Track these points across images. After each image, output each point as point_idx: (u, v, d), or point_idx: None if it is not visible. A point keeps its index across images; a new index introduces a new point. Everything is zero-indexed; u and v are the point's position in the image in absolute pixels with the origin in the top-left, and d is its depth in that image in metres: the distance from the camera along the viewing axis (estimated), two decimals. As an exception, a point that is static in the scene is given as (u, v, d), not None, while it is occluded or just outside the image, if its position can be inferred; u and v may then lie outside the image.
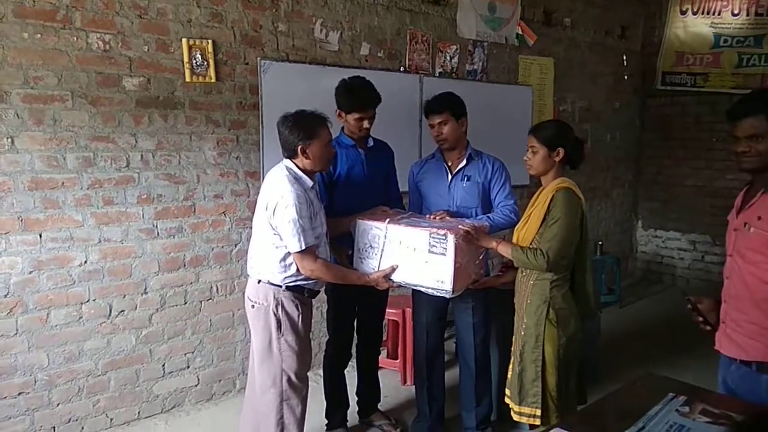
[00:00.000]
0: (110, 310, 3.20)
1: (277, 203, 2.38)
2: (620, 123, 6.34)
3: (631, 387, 1.83)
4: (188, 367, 3.51)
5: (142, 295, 3.29)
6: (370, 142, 3.01)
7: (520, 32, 5.03)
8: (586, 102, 5.85)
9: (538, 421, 2.41)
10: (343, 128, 2.96)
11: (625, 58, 6.27)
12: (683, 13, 6.14)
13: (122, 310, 3.24)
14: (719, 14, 5.93)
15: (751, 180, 1.98)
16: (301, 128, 2.43)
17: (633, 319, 5.28)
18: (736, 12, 5.81)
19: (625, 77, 6.31)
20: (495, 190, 2.93)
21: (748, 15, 5.71)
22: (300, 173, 2.48)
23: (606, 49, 6.02)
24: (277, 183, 2.43)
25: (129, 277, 3.25)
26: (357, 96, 2.82)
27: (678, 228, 6.46)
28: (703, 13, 6.03)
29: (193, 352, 3.51)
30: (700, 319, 2.06)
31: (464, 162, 2.91)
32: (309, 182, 2.50)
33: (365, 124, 2.87)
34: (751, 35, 5.70)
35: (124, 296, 3.24)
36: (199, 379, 3.56)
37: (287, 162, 2.50)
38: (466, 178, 2.90)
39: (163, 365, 3.41)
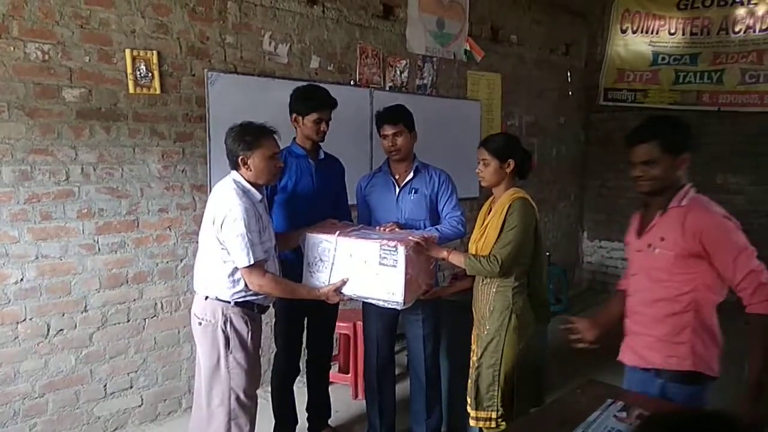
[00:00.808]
0: (48, 329, 3.07)
1: (225, 217, 2.33)
2: (565, 137, 6.52)
3: (572, 394, 1.87)
4: (131, 387, 3.39)
5: (82, 313, 3.18)
6: (321, 155, 3.01)
7: (468, 48, 5.13)
8: (532, 117, 6.00)
9: (493, 424, 2.44)
10: (294, 138, 2.95)
11: (569, 74, 6.46)
12: (623, 31, 6.38)
13: (61, 329, 3.11)
14: (657, 33, 6.19)
15: (645, 202, 2.10)
16: (244, 138, 2.40)
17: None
18: (672, 31, 6.08)
19: (570, 93, 6.51)
20: (442, 201, 2.96)
21: (683, 34, 5.99)
22: (248, 186, 2.44)
23: (551, 66, 6.19)
24: (225, 196, 2.38)
25: (68, 294, 3.13)
26: (315, 97, 2.85)
27: (622, 239, 6.60)
28: (642, 32, 6.28)
29: (136, 372, 3.40)
30: (574, 337, 2.26)
31: (411, 175, 2.94)
32: (258, 195, 2.47)
33: (323, 126, 2.87)
34: (687, 54, 5.97)
35: (63, 314, 3.12)
36: (143, 400, 3.44)
37: (235, 175, 2.46)
38: (413, 191, 2.92)
39: (105, 386, 3.29)
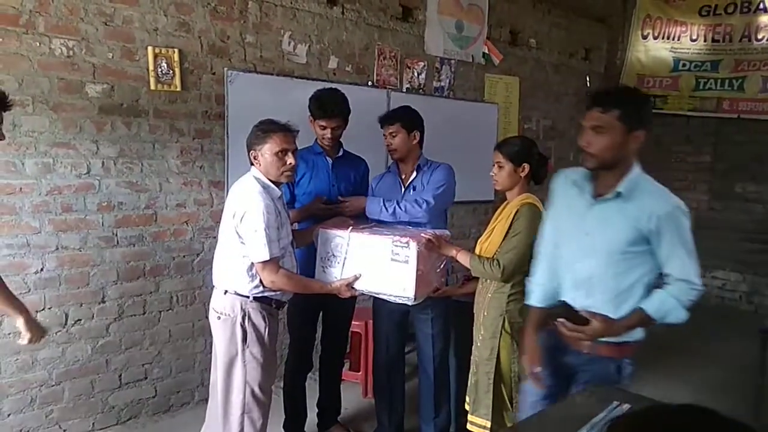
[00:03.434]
0: (66, 319, 3.14)
1: (246, 211, 2.37)
2: (583, 142, 6.48)
3: (578, 396, 1.88)
4: (146, 378, 3.45)
5: (99, 304, 3.24)
6: (340, 152, 3.06)
7: (487, 51, 5.14)
8: (550, 121, 5.99)
9: None
10: (316, 137, 3.04)
11: (588, 79, 6.43)
12: (644, 37, 6.35)
13: (79, 319, 3.18)
14: (678, 39, 6.15)
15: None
16: (256, 133, 2.45)
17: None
18: (694, 38, 6.04)
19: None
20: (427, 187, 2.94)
21: (705, 41, 5.95)
22: (268, 182, 2.47)
23: (570, 70, 6.17)
24: (246, 192, 2.42)
25: (86, 285, 3.20)
26: (320, 105, 2.90)
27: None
28: (663, 38, 6.25)
29: (151, 363, 3.47)
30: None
31: (414, 174, 2.97)
32: (277, 191, 2.50)
33: (327, 133, 2.93)
34: (708, 60, 5.93)
35: (81, 305, 3.18)
36: (156, 391, 3.50)
37: (255, 171, 2.50)
38: (412, 189, 2.95)
39: (120, 376, 3.35)
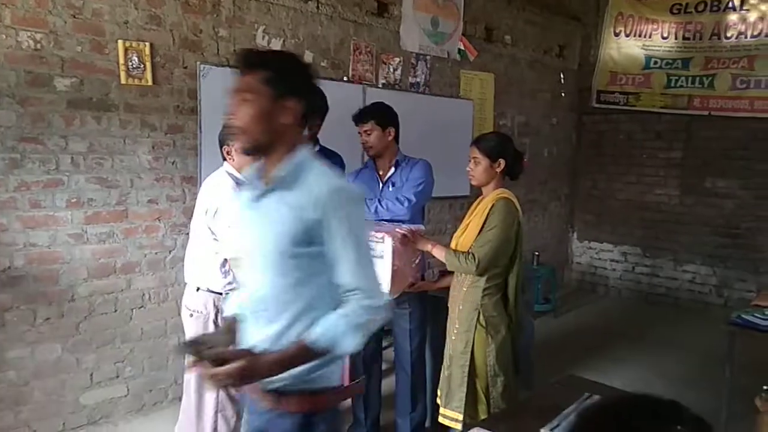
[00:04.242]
0: (35, 318, 3.07)
1: (218, 207, 2.35)
2: (557, 138, 6.56)
3: (551, 388, 1.90)
4: (118, 376, 3.40)
5: (69, 302, 3.18)
6: (316, 148, 3.04)
7: (462, 47, 5.16)
8: (524, 117, 6.03)
9: (459, 426, 2.46)
10: None
11: (562, 76, 6.50)
12: (617, 35, 6.43)
13: (48, 318, 3.12)
14: (650, 37, 6.23)
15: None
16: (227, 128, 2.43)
17: (566, 328, 5.45)
18: (665, 35, 6.12)
19: (562, 94, 6.55)
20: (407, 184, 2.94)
21: (676, 39, 6.04)
22: (241, 177, 2.45)
23: (544, 67, 6.23)
24: (219, 187, 2.40)
25: (56, 283, 3.13)
26: None
27: (611, 240, 6.72)
28: (635, 36, 6.33)
29: (123, 362, 3.41)
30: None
31: (393, 170, 2.96)
32: None
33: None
34: (679, 58, 6.02)
35: (51, 303, 3.12)
36: (129, 390, 3.45)
37: (227, 166, 2.48)
38: (391, 185, 2.95)
39: (91, 375, 3.30)
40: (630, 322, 5.71)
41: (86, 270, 3.22)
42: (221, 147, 2.45)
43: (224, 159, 2.48)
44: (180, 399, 3.38)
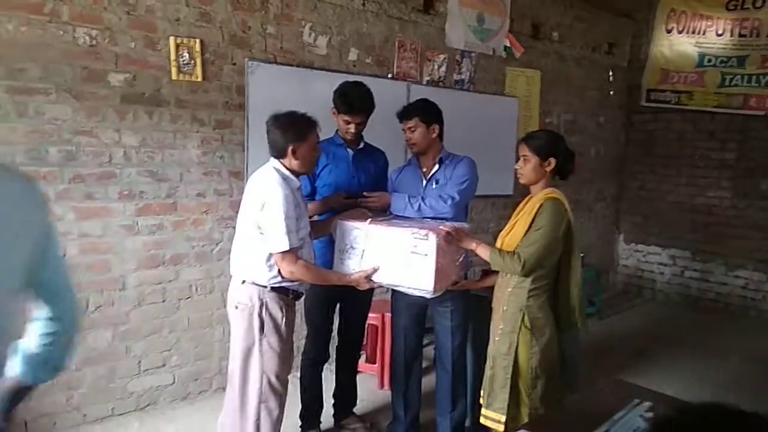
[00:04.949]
0: (87, 305, 3.17)
1: (266, 202, 2.38)
2: (604, 137, 6.42)
3: (598, 392, 1.86)
4: (164, 365, 3.49)
5: (119, 291, 3.28)
6: (361, 144, 3.06)
7: (508, 44, 5.09)
8: (571, 115, 5.92)
9: (501, 427, 2.42)
10: (337, 129, 3.02)
11: (611, 73, 6.35)
12: (669, 31, 6.24)
13: (99, 306, 3.22)
14: (704, 34, 6.03)
15: None
16: (294, 129, 2.45)
17: (611, 331, 5.33)
18: (720, 32, 5.91)
19: (611, 92, 6.39)
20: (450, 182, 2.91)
21: (731, 36, 5.82)
22: (288, 173, 2.48)
23: (592, 64, 6.10)
24: (266, 182, 2.43)
25: (107, 272, 3.23)
26: (345, 100, 2.89)
27: (659, 243, 6.54)
28: (688, 33, 6.13)
29: (169, 351, 3.50)
30: None
31: (437, 167, 2.94)
32: (296, 182, 2.52)
33: (351, 128, 2.93)
34: (734, 56, 5.80)
35: (102, 292, 3.22)
36: (175, 378, 3.54)
37: (275, 162, 2.50)
38: (435, 182, 2.93)
39: (139, 363, 3.39)
40: (677, 327, 5.55)
41: (136, 260, 3.31)
42: (287, 146, 2.44)
43: (277, 156, 2.48)
44: (224, 389, 3.46)
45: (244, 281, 2.50)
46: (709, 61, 5.99)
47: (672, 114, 6.29)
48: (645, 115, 6.51)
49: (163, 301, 3.44)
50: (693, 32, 6.08)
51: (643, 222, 6.67)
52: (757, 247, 5.79)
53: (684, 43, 6.14)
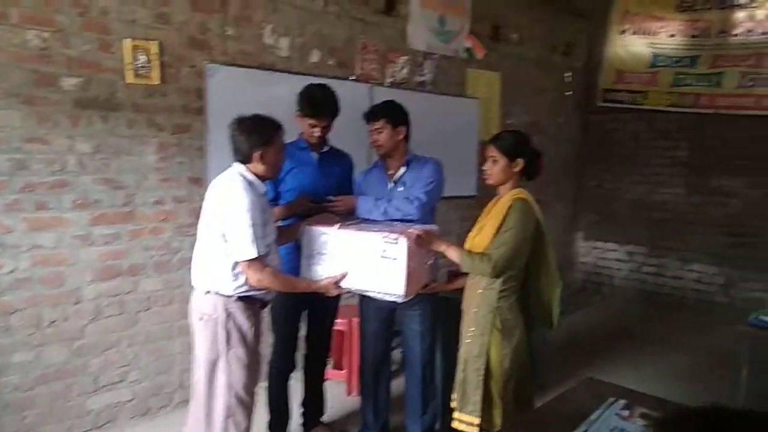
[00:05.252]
0: (40, 321, 3.03)
1: (230, 208, 2.31)
2: (563, 138, 6.52)
3: (572, 392, 1.86)
4: (123, 381, 3.36)
5: (75, 304, 3.14)
6: (326, 148, 3.00)
7: (470, 46, 5.11)
8: (531, 116, 5.99)
9: (475, 430, 2.41)
10: (301, 132, 2.96)
11: (568, 74, 6.45)
12: (623, 32, 6.38)
13: (53, 321, 3.08)
14: (657, 35, 6.19)
15: None
16: (259, 133, 2.38)
17: (572, 328, 5.39)
18: (672, 33, 6.08)
19: (568, 93, 6.50)
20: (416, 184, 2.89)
21: (683, 36, 5.99)
22: (253, 178, 2.41)
23: (551, 66, 6.18)
24: (230, 188, 2.35)
25: (61, 285, 3.09)
26: (310, 102, 2.84)
27: (616, 239, 6.68)
28: (641, 34, 6.28)
29: (128, 365, 3.37)
30: None
31: (403, 169, 2.92)
32: (262, 188, 2.45)
33: (316, 131, 2.88)
34: (686, 56, 5.97)
35: (56, 306, 3.08)
36: (134, 394, 3.41)
37: (239, 167, 2.43)
38: (401, 185, 2.90)
39: (97, 379, 3.25)
40: (637, 322, 5.67)
41: (92, 272, 3.18)
42: (250, 149, 2.37)
43: (242, 161, 2.41)
44: (186, 403, 3.35)
45: (208, 291, 2.41)
46: (663, 61, 6.15)
47: (627, 114, 6.43)
48: (601, 115, 6.64)
49: (121, 314, 3.32)
50: (646, 33, 6.24)
51: (600, 220, 6.81)
52: (710, 241, 5.98)
53: (638, 43, 6.29)
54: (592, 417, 1.59)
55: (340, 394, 3.78)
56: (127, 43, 3.15)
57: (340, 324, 3.73)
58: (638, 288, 6.52)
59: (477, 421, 2.40)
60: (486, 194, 2.61)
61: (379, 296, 2.53)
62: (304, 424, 3.25)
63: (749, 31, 5.62)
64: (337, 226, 2.55)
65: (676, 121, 6.12)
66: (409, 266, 2.41)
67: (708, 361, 4.53)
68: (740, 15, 5.66)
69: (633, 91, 6.34)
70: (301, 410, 3.25)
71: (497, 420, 2.42)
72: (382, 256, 2.42)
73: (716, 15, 5.78)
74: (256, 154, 2.37)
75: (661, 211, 6.31)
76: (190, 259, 3.44)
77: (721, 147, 5.87)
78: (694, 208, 6.09)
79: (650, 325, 5.56)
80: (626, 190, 6.56)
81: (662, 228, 6.31)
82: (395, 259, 2.40)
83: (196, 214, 3.45)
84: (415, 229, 2.51)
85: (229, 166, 2.49)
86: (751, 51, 5.60)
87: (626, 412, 1.67)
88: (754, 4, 5.60)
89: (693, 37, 5.92)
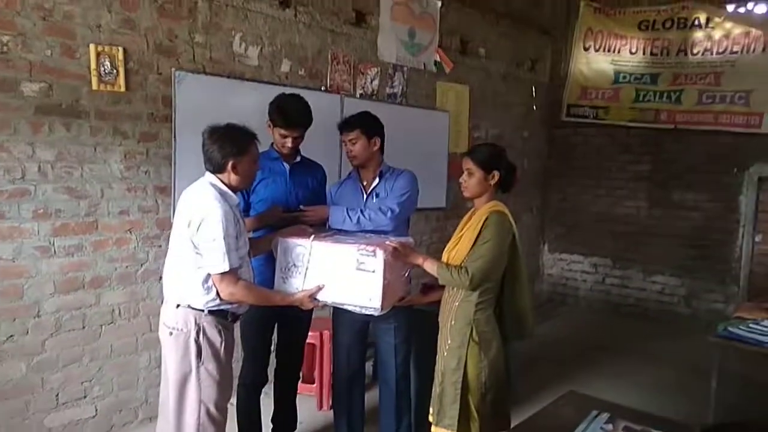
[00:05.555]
0: (-3, 336, 2.90)
1: (203, 220, 2.23)
2: (529, 151, 6.60)
3: (554, 405, 1.85)
4: (85, 396, 3.23)
5: (34, 318, 3.01)
6: (298, 158, 2.96)
7: (438, 59, 5.15)
8: (498, 130, 6.05)
9: None
10: (272, 142, 2.91)
11: (534, 89, 6.56)
12: (586, 49, 6.53)
13: (11, 335, 2.94)
14: (618, 52, 6.35)
15: None
16: (233, 142, 2.32)
17: (540, 340, 5.43)
18: (633, 51, 6.25)
19: (534, 108, 6.60)
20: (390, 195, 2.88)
21: (644, 54, 6.16)
22: (225, 189, 2.35)
23: (517, 80, 6.27)
24: (203, 198, 2.29)
25: (20, 298, 2.96)
26: (282, 113, 2.80)
27: (581, 252, 6.78)
28: (604, 51, 6.44)
29: (91, 381, 3.24)
30: None
31: (377, 180, 2.90)
32: (235, 199, 2.39)
33: (288, 142, 2.84)
34: (647, 73, 6.14)
35: (14, 320, 2.94)
36: (97, 410, 3.28)
37: (210, 177, 2.36)
38: (375, 196, 2.88)
39: (57, 395, 3.12)
40: (602, 334, 5.75)
41: (53, 284, 3.06)
42: (224, 159, 2.31)
43: (214, 171, 2.35)
44: (151, 419, 3.25)
45: (178, 305, 2.33)
46: (624, 78, 6.31)
47: (591, 128, 6.56)
48: (566, 129, 6.76)
49: (83, 328, 3.19)
50: (609, 50, 6.40)
51: (566, 232, 6.91)
52: (672, 253, 6.12)
53: (601, 60, 6.45)
54: (578, 430, 1.58)
55: (310, 408, 3.70)
56: (92, 49, 3.06)
57: (310, 337, 3.67)
58: (603, 299, 6.63)
59: None
60: (456, 207, 2.61)
61: (355, 309, 2.49)
62: (274, 440, 3.17)
63: (707, 50, 5.82)
64: (312, 237, 2.50)
65: (639, 137, 6.28)
66: (385, 279, 2.38)
67: (677, 372, 4.61)
68: (699, 35, 5.86)
69: (596, 107, 6.48)
70: (272, 426, 3.16)
71: (474, 433, 2.40)
72: (358, 269, 2.39)
73: (676, 34, 5.96)
74: (229, 164, 2.32)
75: (625, 224, 6.44)
76: (155, 270, 3.39)
77: (681, 162, 6.04)
78: (657, 221, 6.23)
79: (616, 336, 5.64)
80: (591, 202, 6.68)
81: (626, 240, 6.44)
82: (372, 271, 2.37)
83: (163, 224, 3.41)
84: (392, 242, 2.48)
85: (198, 175, 2.43)
86: (710, 70, 5.79)
87: (610, 426, 1.67)
88: (711, 25, 5.80)
89: (653, 54, 6.10)
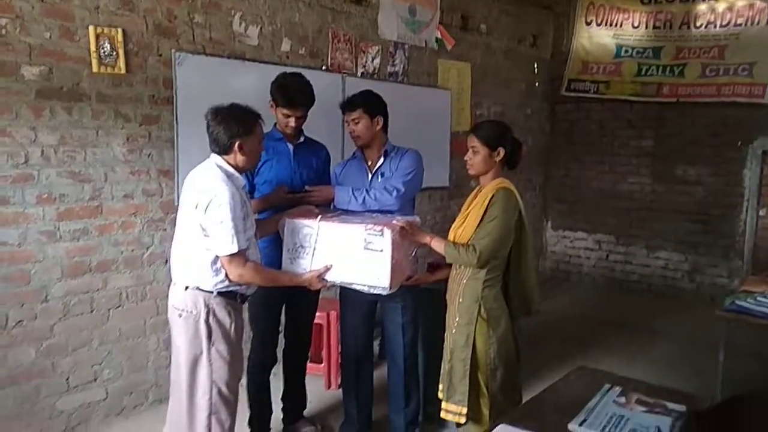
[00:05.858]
0: (6, 321, 2.90)
1: (210, 202, 2.22)
2: (532, 128, 6.57)
3: (564, 381, 1.86)
4: (95, 380, 3.24)
5: (42, 303, 3.01)
6: (301, 138, 2.94)
7: (440, 36, 5.09)
8: (500, 107, 6.01)
9: (463, 419, 2.41)
10: (275, 123, 2.89)
11: (536, 65, 6.50)
12: (588, 24, 6.46)
13: (20, 321, 2.94)
14: (621, 26, 6.29)
15: None
16: (239, 122, 2.30)
17: (544, 317, 5.44)
18: (636, 24, 6.18)
19: (536, 84, 6.55)
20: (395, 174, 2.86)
21: (647, 28, 6.10)
22: (232, 170, 2.34)
23: (519, 57, 6.22)
24: (210, 180, 2.27)
25: (27, 284, 2.96)
26: (285, 93, 2.77)
27: (584, 228, 6.78)
28: (606, 25, 6.37)
29: (100, 364, 3.26)
30: None
31: (381, 160, 2.88)
32: (241, 180, 2.38)
33: (291, 122, 2.82)
34: (650, 47, 6.08)
35: (22, 305, 2.95)
36: (107, 393, 3.30)
37: (217, 158, 2.35)
38: (380, 175, 2.87)
39: (67, 379, 3.13)
40: (607, 310, 5.77)
41: (60, 269, 3.06)
42: (230, 140, 2.29)
43: (220, 153, 2.33)
44: (161, 401, 3.27)
45: (187, 287, 2.33)
46: (626, 52, 6.25)
47: (592, 103, 6.52)
48: (567, 105, 6.72)
49: (91, 312, 3.20)
50: (611, 24, 6.33)
51: (569, 209, 6.90)
52: (675, 229, 6.12)
53: (602, 35, 6.38)
54: (590, 404, 1.59)
55: (318, 388, 3.73)
56: (91, 31, 3.02)
57: (318, 317, 3.68)
58: (607, 276, 6.64)
59: (464, 410, 2.39)
60: (459, 186, 2.60)
61: (364, 289, 2.49)
62: (285, 419, 3.19)
63: (711, 23, 5.76)
64: (319, 218, 2.50)
65: (640, 111, 6.24)
66: (393, 258, 2.38)
67: (682, 346, 4.63)
68: (702, 8, 5.80)
69: (596, 81, 6.43)
70: (282, 405, 3.19)
71: (484, 409, 2.43)
72: (366, 248, 2.39)
73: (679, 7, 5.89)
74: (236, 145, 2.30)
75: (628, 199, 6.43)
76: (161, 254, 3.39)
77: (684, 136, 6.01)
78: (660, 196, 6.22)
79: (621, 312, 5.66)
80: (593, 179, 6.66)
81: (629, 216, 6.43)
82: (381, 251, 2.36)
83: (167, 207, 3.41)
84: (399, 221, 2.48)
85: (201, 157, 2.42)
86: (713, 43, 5.74)
87: (623, 399, 1.67)
88: (714, -3, 5.73)
89: (656, 28, 6.03)
